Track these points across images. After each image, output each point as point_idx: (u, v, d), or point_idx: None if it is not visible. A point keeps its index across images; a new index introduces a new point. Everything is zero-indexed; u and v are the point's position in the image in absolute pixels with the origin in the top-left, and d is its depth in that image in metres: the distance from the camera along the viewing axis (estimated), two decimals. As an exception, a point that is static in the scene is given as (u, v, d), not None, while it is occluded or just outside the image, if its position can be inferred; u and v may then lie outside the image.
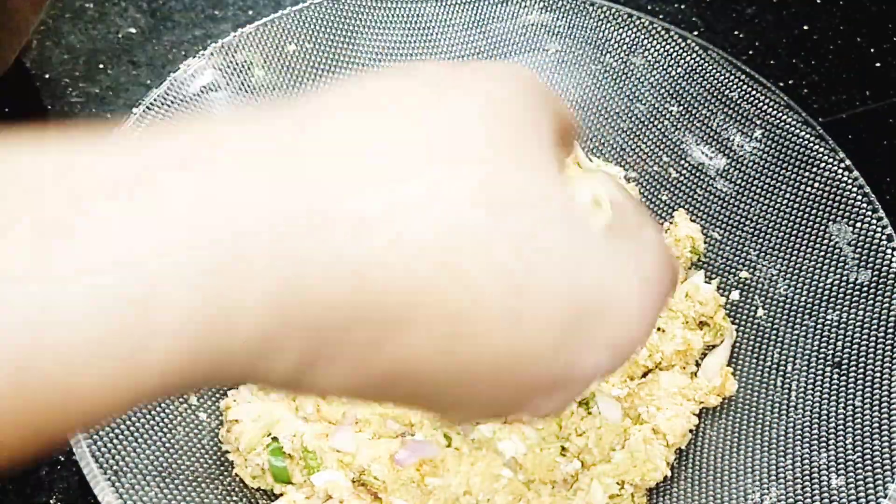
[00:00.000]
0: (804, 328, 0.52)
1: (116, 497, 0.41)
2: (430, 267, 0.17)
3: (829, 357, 0.50)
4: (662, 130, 0.61)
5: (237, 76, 0.59)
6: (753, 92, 0.58)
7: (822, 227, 0.54)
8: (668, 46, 0.61)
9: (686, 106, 0.60)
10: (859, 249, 0.52)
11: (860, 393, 0.48)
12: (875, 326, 0.49)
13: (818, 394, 0.49)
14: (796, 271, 0.54)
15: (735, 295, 0.56)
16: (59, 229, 0.15)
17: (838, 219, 0.53)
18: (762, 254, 0.56)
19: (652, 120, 0.62)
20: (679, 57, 0.61)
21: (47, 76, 0.73)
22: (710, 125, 0.59)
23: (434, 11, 0.64)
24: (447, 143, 0.19)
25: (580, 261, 0.19)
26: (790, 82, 0.76)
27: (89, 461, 0.42)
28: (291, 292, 0.16)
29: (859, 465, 0.45)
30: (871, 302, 0.50)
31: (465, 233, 0.18)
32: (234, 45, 0.58)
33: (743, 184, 0.58)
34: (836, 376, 0.49)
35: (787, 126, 0.56)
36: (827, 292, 0.52)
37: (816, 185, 0.55)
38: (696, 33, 0.78)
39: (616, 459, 0.49)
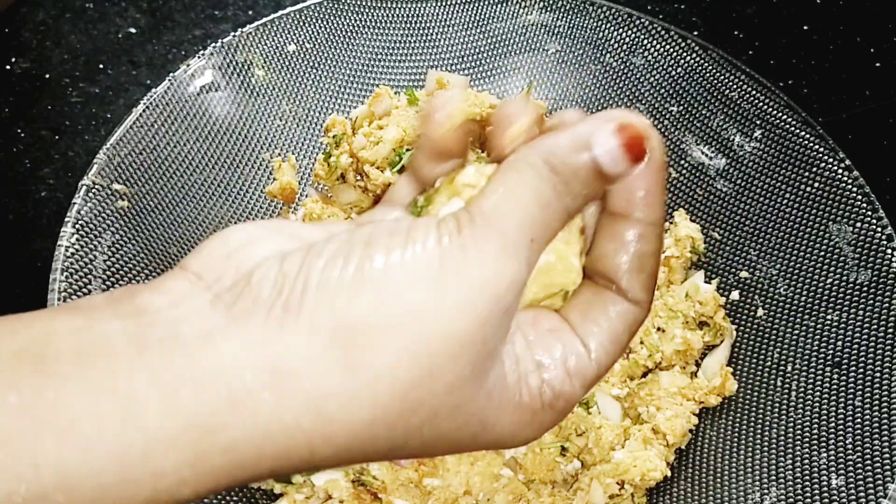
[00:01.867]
0: (804, 328, 0.52)
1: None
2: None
3: (829, 357, 0.50)
4: (662, 130, 0.61)
5: (237, 76, 0.59)
6: (753, 92, 0.58)
7: (822, 227, 0.54)
8: (668, 46, 0.61)
9: (686, 106, 0.60)
10: (859, 249, 0.52)
11: (860, 393, 0.48)
12: (875, 326, 0.49)
13: (818, 394, 0.49)
14: (796, 271, 0.54)
15: (735, 295, 0.56)
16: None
17: (838, 219, 0.53)
18: (762, 254, 0.56)
19: (652, 120, 0.62)
20: (679, 57, 0.61)
21: (47, 76, 0.73)
22: (710, 125, 0.59)
23: (434, 11, 0.64)
24: None
25: None
26: (790, 82, 0.76)
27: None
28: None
29: (859, 465, 0.45)
30: (871, 302, 0.50)
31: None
32: (234, 45, 0.58)
33: (743, 184, 0.58)
34: (836, 376, 0.49)
35: (787, 126, 0.56)
36: (827, 292, 0.52)
37: (816, 185, 0.55)
38: (696, 33, 0.78)
39: (616, 459, 0.49)
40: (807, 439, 0.48)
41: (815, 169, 0.55)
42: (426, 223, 0.24)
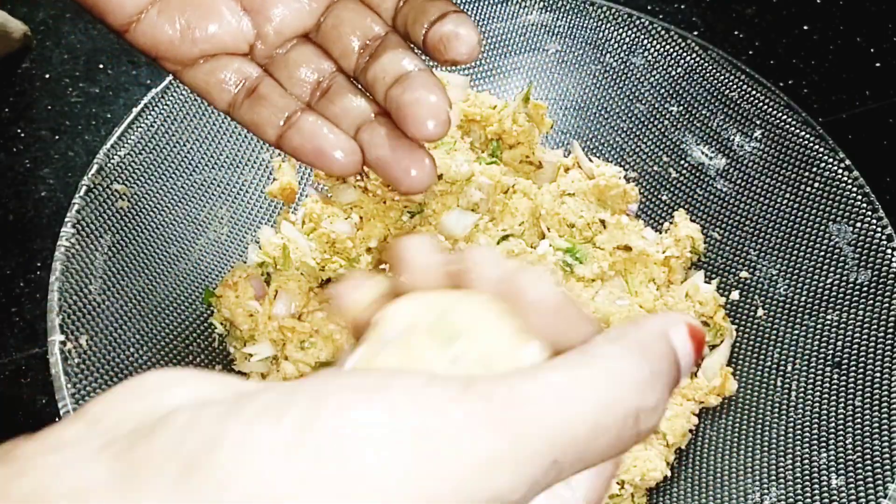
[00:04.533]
0: (804, 328, 0.52)
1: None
2: None
3: (829, 357, 0.50)
4: (662, 130, 0.61)
5: (237, 76, 0.59)
6: (753, 92, 0.58)
7: (822, 227, 0.54)
8: (668, 46, 0.61)
9: (686, 106, 0.60)
10: (859, 249, 0.52)
11: (860, 393, 0.48)
12: (875, 326, 0.49)
13: (818, 394, 0.49)
14: (796, 271, 0.54)
15: (735, 295, 0.56)
16: None
17: (838, 219, 0.53)
18: (762, 254, 0.56)
19: (652, 120, 0.62)
20: (679, 57, 0.61)
21: (47, 76, 0.73)
22: (710, 125, 0.59)
23: (434, 11, 0.64)
24: None
25: None
26: (790, 82, 0.76)
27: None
28: None
29: (859, 465, 0.45)
30: (871, 302, 0.50)
31: None
32: (234, 45, 0.58)
33: (743, 184, 0.58)
34: (836, 376, 0.49)
35: (787, 126, 0.56)
36: (827, 292, 0.52)
37: (816, 185, 0.55)
38: (696, 33, 0.78)
39: (616, 459, 0.49)
40: (807, 439, 0.48)
41: (815, 169, 0.55)
42: (410, 382, 0.18)
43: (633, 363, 0.19)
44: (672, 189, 0.60)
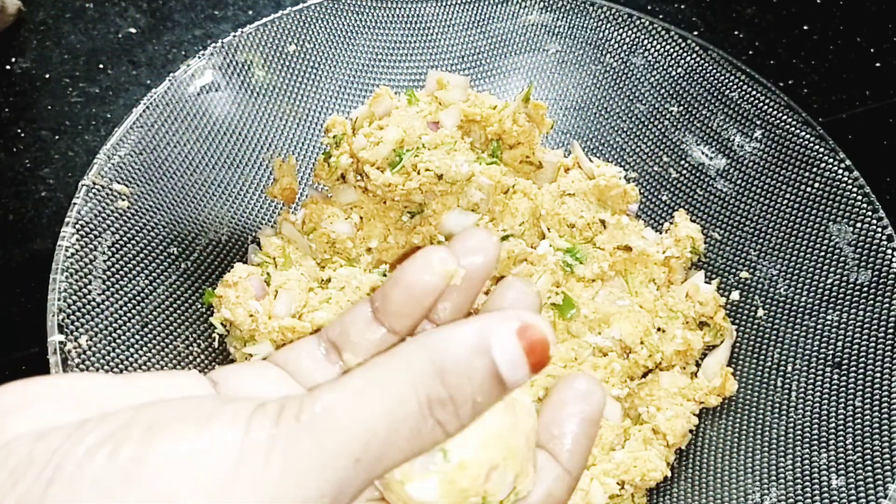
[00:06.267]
0: (804, 328, 0.52)
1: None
2: None
3: (829, 357, 0.50)
4: (662, 130, 0.61)
5: (237, 76, 0.59)
6: (753, 92, 0.58)
7: (822, 227, 0.54)
8: (668, 46, 0.61)
9: (686, 106, 0.60)
10: (859, 249, 0.52)
11: (860, 393, 0.48)
12: (875, 326, 0.49)
13: (818, 394, 0.49)
14: (796, 271, 0.54)
15: (735, 295, 0.56)
16: None
17: (838, 219, 0.53)
18: (762, 254, 0.56)
19: (652, 120, 0.62)
20: (679, 57, 0.61)
21: (47, 76, 0.73)
22: (710, 125, 0.59)
23: (434, 11, 0.64)
24: None
25: None
26: (790, 82, 0.76)
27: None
28: None
29: (859, 465, 0.45)
30: (871, 302, 0.50)
31: None
32: (234, 45, 0.58)
33: (743, 184, 0.58)
34: (836, 376, 0.49)
35: (787, 126, 0.56)
36: (827, 292, 0.52)
37: (816, 185, 0.55)
38: (696, 33, 0.78)
39: (616, 459, 0.49)
40: (807, 439, 0.48)
41: (815, 169, 0.55)
42: (238, 408, 0.19)
43: (427, 358, 0.21)
44: (672, 189, 0.60)
